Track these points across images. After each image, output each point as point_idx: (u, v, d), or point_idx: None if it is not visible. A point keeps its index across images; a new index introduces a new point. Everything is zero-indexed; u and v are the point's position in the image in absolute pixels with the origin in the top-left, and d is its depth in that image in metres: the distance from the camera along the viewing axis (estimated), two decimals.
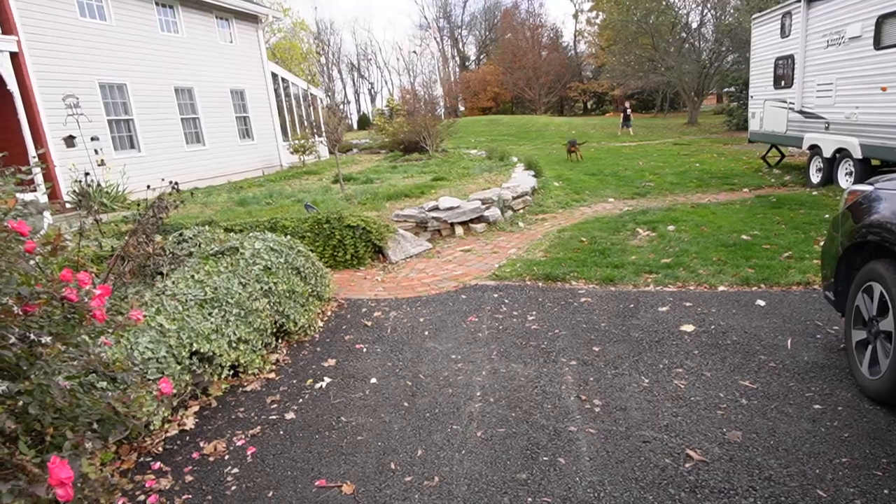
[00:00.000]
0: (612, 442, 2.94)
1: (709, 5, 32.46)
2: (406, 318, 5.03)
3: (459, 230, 7.99)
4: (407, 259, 6.96)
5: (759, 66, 12.56)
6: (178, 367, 3.27)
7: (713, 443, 2.88)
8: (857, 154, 8.80)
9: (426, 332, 4.65)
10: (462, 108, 61.52)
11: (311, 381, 3.93)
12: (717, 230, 7.15)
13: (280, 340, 4.51)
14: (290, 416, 3.46)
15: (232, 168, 17.27)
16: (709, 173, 12.38)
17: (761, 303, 4.79)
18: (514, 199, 9.02)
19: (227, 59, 17.78)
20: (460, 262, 6.72)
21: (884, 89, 8.16)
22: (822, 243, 6.24)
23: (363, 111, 69.52)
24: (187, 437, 3.29)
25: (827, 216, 7.59)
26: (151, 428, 3.10)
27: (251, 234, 5.01)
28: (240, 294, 4.04)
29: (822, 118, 9.88)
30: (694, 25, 34.07)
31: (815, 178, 10.18)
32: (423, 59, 75.38)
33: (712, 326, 4.37)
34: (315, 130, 22.75)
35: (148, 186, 4.88)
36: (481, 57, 65.17)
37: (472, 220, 8.11)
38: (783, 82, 11.30)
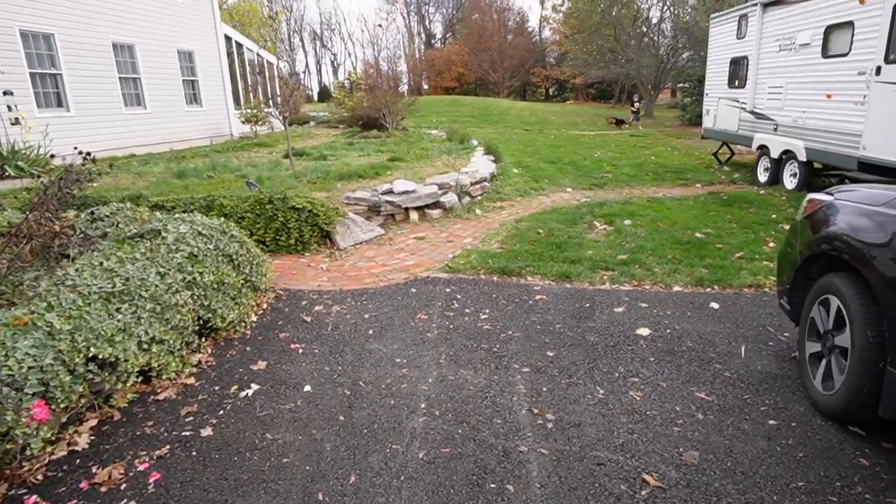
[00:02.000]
0: (565, 465, 2.75)
1: (668, 2, 32.75)
2: (350, 313, 4.74)
3: (414, 216, 7.70)
4: (356, 245, 6.64)
5: (715, 65, 12.63)
6: (69, 378, 2.79)
7: (670, 465, 2.73)
8: (802, 157, 8.93)
9: (370, 331, 4.38)
10: (426, 87, 60.74)
11: (236, 387, 3.59)
12: (671, 226, 7.10)
13: (205, 338, 4.14)
14: (206, 431, 3.13)
15: (176, 135, 16.37)
16: (663, 167, 12.44)
17: (715, 305, 4.71)
18: (473, 184, 8.78)
19: (174, 17, 16.74)
20: (413, 250, 6.45)
21: (829, 97, 8.26)
22: (771, 245, 6.29)
23: (325, 83, 67.78)
24: (77, 461, 2.84)
25: (774, 216, 7.66)
26: (28, 452, 2.55)
27: (177, 216, 4.59)
28: (157, 286, 3.64)
29: (771, 120, 9.99)
30: (654, 21, 34.42)
31: (763, 177, 10.32)
32: (388, 34, 73.90)
33: (668, 331, 4.25)
34: (270, 100, 21.94)
35: (75, 148, 4.34)
36: (447, 36, 64.32)
37: (427, 206, 7.84)
38: (737, 82, 11.38)
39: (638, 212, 7.85)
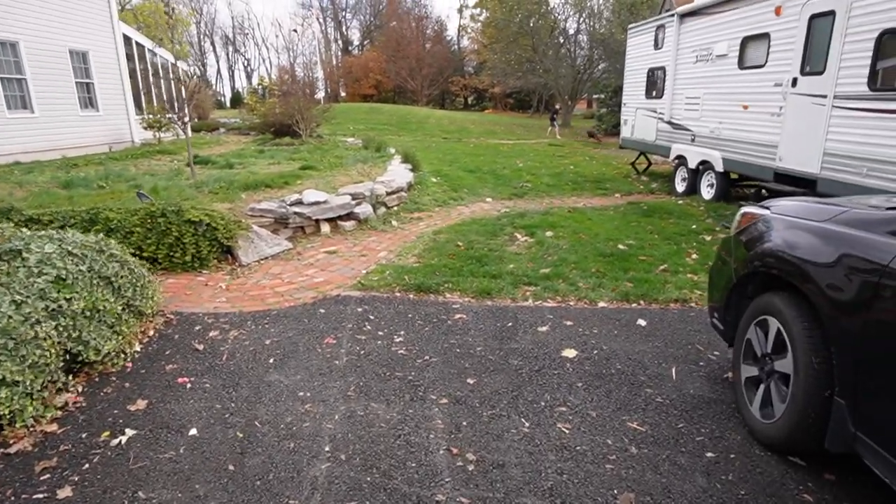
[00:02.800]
0: None
1: (584, 15, 33.77)
2: (249, 339, 4.18)
3: (326, 228, 7.18)
4: (261, 261, 6.04)
5: (632, 75, 12.86)
6: None
7: None
8: (719, 167, 9.12)
9: (271, 360, 3.85)
10: (343, 94, 59.74)
11: (107, 434, 2.99)
12: (594, 238, 6.95)
13: (75, 375, 3.49)
14: (64, 492, 2.53)
15: (69, 141, 14.94)
16: (582, 176, 12.51)
17: (642, 322, 4.51)
18: (389, 194, 8.35)
19: (66, 13, 15.32)
20: (323, 266, 5.93)
21: (745, 108, 8.46)
22: (694, 256, 6.24)
23: (238, 89, 65.37)
24: None
25: (694, 227, 7.71)
26: None
27: (42, 234, 3.89)
28: (10, 317, 2.99)
29: (689, 130, 10.19)
30: (571, 32, 35.38)
31: (680, 187, 10.51)
32: (303, 40, 72.27)
33: (595, 351, 3.98)
34: (175, 104, 20.61)
35: None
36: (365, 43, 63.70)
37: (340, 217, 7.33)
38: (654, 92, 11.60)
39: (559, 223, 7.68)
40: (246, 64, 70.58)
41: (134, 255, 5.48)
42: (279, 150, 14.18)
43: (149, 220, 5.62)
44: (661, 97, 11.23)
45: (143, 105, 19.43)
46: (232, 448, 2.88)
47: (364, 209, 7.52)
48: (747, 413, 3.06)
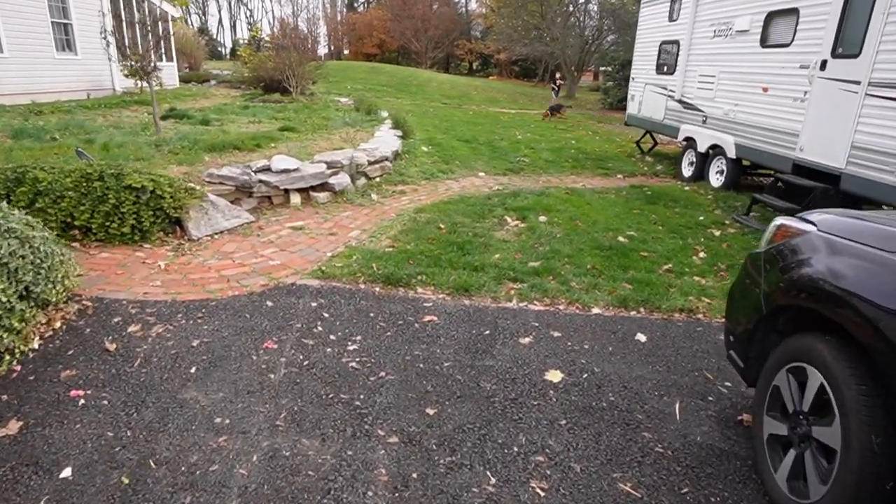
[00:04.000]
0: None
1: None
2: (174, 338, 3.52)
3: (296, 199, 6.45)
4: (215, 236, 5.34)
5: (643, 49, 11.97)
6: None
7: None
8: (731, 153, 8.38)
9: (193, 369, 3.19)
10: (346, 52, 58.03)
11: None
12: (592, 226, 6.26)
13: None
14: None
15: (42, 85, 14.02)
16: (584, 153, 11.74)
17: (642, 337, 3.86)
18: (371, 164, 7.60)
19: None
20: (284, 245, 5.24)
21: (765, 90, 7.68)
22: (702, 255, 5.56)
23: (240, 40, 63.42)
24: None
25: (702, 218, 7.02)
26: None
27: None
28: None
29: (700, 111, 9.41)
30: (580, 1, 33.96)
31: (687, 171, 9.78)
32: None
33: (585, 375, 3.34)
34: (163, 52, 19.63)
35: None
36: (371, 0, 61.59)
37: (313, 188, 6.60)
38: (666, 68, 10.75)
39: (555, 206, 6.97)
40: (248, 15, 68.26)
41: (65, 223, 4.81)
42: (265, 107, 13.33)
43: (84, 184, 4.89)
44: (672, 73, 10.39)
45: (128, 52, 18.38)
46: (111, 501, 2.23)
47: (340, 180, 6.78)
48: (769, 481, 2.42)
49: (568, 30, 32.23)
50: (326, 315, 3.91)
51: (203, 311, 3.88)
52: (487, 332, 3.81)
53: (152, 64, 7.84)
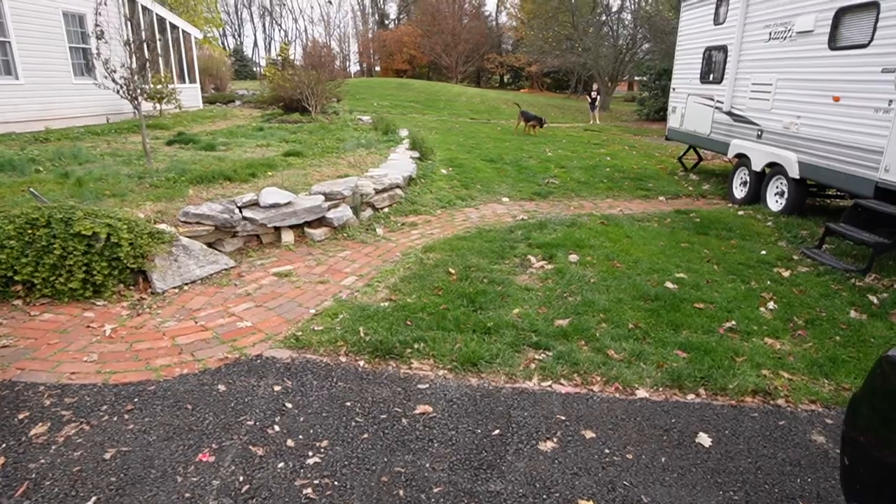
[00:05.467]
0: None
1: None
2: (85, 446, 2.69)
3: (288, 237, 5.65)
4: (184, 287, 4.56)
5: (685, 56, 10.91)
6: None
7: None
8: (794, 173, 7.26)
9: (93, 500, 2.35)
10: (378, 69, 58.02)
11: None
12: (632, 267, 5.27)
13: None
14: None
15: (60, 111, 13.74)
16: (620, 171, 10.71)
17: (705, 440, 2.88)
18: (379, 192, 6.76)
19: None
20: (262, 298, 4.41)
21: (836, 99, 6.57)
22: (770, 306, 4.51)
23: (269, 59, 64.13)
24: None
25: (764, 252, 5.95)
26: None
27: None
28: None
29: (754, 124, 8.31)
30: (614, 9, 32.93)
31: (739, 192, 8.67)
32: (339, 13, 70.49)
33: None
34: (185, 74, 19.44)
35: None
36: (401, 17, 61.61)
37: (309, 224, 5.80)
38: (712, 77, 9.67)
39: (588, 240, 6.00)
40: (284, 36, 69.04)
41: (6, 278, 4.07)
42: (280, 128, 12.73)
43: (28, 231, 4.17)
44: (719, 82, 9.31)
45: (149, 75, 18.15)
46: None
47: (341, 213, 5.96)
48: None
49: (600, 39, 31.19)
50: (290, 406, 3.04)
51: (136, 400, 3.05)
52: (497, 430, 2.88)
53: (138, 90, 7.14)
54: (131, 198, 5.54)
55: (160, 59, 19.31)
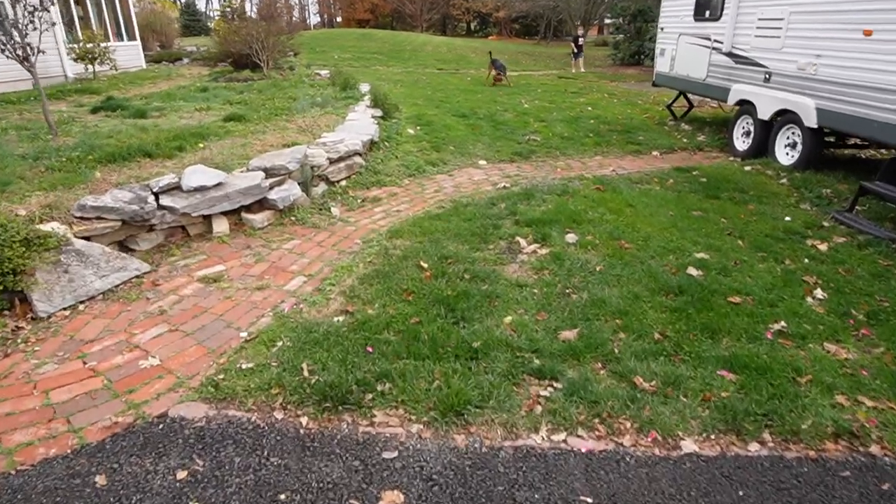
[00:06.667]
0: None
1: None
2: None
3: (221, 225, 4.60)
4: (79, 306, 3.51)
5: None
6: None
7: None
8: (811, 121, 6.34)
9: None
10: (339, 20, 55.21)
11: None
12: (643, 246, 4.36)
13: None
14: None
15: None
16: (605, 122, 9.73)
17: None
18: (334, 162, 5.70)
19: None
20: (180, 317, 3.40)
21: (868, 33, 5.61)
22: (819, 295, 3.66)
23: (213, 12, 60.44)
24: None
25: (789, 219, 5.09)
26: None
27: None
28: None
29: (761, 66, 7.33)
30: None
31: (741, 144, 7.78)
32: None
33: None
34: (110, 31, 17.58)
35: None
36: None
37: (247, 207, 4.74)
38: (708, 13, 8.61)
39: (586, 212, 5.06)
40: None
41: None
42: (228, 87, 11.39)
43: None
44: (717, 19, 8.27)
45: (80, 32, 16.30)
46: None
47: (286, 192, 4.90)
48: None
49: None
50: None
51: None
52: None
53: (21, 48, 5.80)
54: (17, 187, 4.39)
55: (91, 13, 17.45)
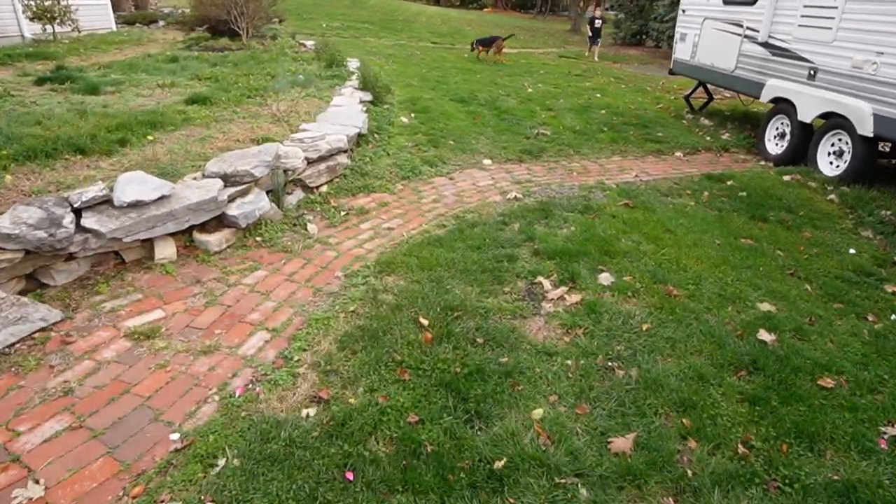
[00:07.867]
0: None
1: None
2: None
3: (167, 250, 3.65)
4: None
5: None
6: None
7: None
8: (866, 129, 5.49)
9: None
10: None
11: None
12: (694, 293, 3.51)
13: None
14: None
15: None
16: (618, 114, 8.83)
17: None
18: (313, 163, 4.75)
19: None
20: (90, 403, 2.49)
21: None
22: None
23: None
24: None
25: (853, 251, 4.27)
26: None
27: None
28: None
29: (805, 60, 6.44)
30: None
31: (774, 147, 6.93)
32: None
33: None
34: None
35: None
36: None
37: (200, 226, 3.80)
38: None
39: (617, 238, 4.19)
40: None
41: None
42: (201, 58, 10.24)
43: None
44: (753, 2, 7.34)
45: None
46: None
47: (251, 206, 3.96)
48: None
49: None
50: None
51: None
52: None
53: None
54: None
55: None
